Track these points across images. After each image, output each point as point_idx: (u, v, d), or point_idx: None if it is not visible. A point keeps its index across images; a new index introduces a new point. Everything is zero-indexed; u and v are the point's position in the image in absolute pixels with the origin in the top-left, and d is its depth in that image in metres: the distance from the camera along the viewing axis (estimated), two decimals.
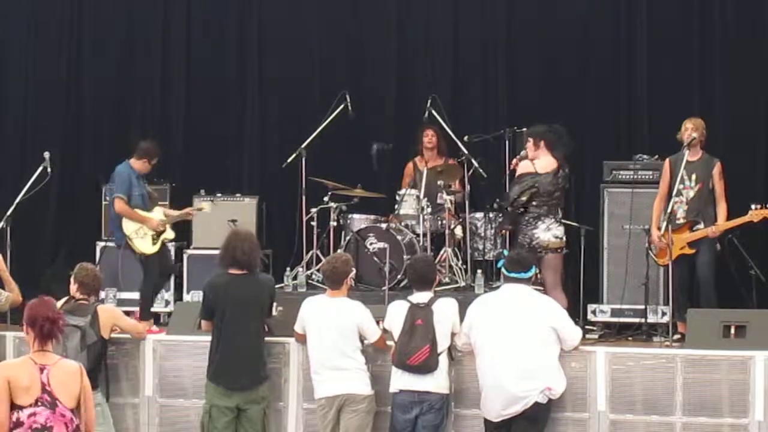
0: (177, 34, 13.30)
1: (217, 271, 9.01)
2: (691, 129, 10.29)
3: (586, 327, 10.62)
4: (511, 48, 12.69)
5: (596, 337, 10.73)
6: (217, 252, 9.16)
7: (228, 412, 8.67)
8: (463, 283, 11.22)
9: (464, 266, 11.44)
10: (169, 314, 10.99)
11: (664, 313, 10.72)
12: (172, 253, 11.87)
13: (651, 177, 11.12)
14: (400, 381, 8.59)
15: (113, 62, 13.34)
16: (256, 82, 13.19)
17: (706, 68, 12.13)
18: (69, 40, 13.36)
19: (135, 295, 11.33)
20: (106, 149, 13.15)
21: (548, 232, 10.08)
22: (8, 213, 10.61)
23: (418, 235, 11.34)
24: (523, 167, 10.19)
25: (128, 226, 10.61)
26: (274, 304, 9.01)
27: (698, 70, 12.14)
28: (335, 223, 11.69)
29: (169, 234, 10.89)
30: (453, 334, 8.64)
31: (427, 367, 8.47)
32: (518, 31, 12.70)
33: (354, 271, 8.96)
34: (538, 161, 10.12)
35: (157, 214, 10.80)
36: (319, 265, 11.34)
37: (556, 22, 12.58)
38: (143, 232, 10.65)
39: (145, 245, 10.64)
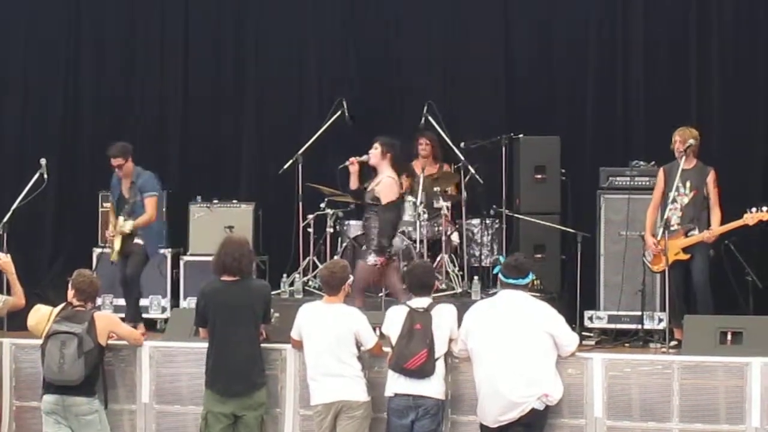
0: (175, 37, 13.31)
1: (211, 279, 9.01)
2: (679, 141, 10.31)
3: (583, 333, 10.65)
4: (509, 53, 12.71)
5: (593, 343, 10.74)
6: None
7: (223, 418, 8.65)
8: (459, 290, 11.23)
9: (461, 273, 11.45)
10: (166, 321, 10.99)
11: (660, 320, 10.75)
12: (169, 259, 12.08)
13: (648, 183, 11.14)
14: (396, 385, 8.56)
15: (112, 64, 13.35)
16: (253, 88, 13.20)
17: (703, 72, 12.13)
18: (68, 40, 13.37)
19: None
20: (103, 155, 13.13)
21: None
22: (5, 219, 10.61)
23: (414, 242, 11.34)
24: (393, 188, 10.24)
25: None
26: (272, 310, 8.99)
27: (696, 74, 12.14)
28: (332, 230, 11.70)
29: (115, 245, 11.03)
30: (451, 340, 8.64)
31: (423, 371, 8.46)
32: (515, 36, 12.72)
33: (352, 277, 8.96)
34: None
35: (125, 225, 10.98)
36: (316, 271, 11.37)
37: (554, 26, 12.61)
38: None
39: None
